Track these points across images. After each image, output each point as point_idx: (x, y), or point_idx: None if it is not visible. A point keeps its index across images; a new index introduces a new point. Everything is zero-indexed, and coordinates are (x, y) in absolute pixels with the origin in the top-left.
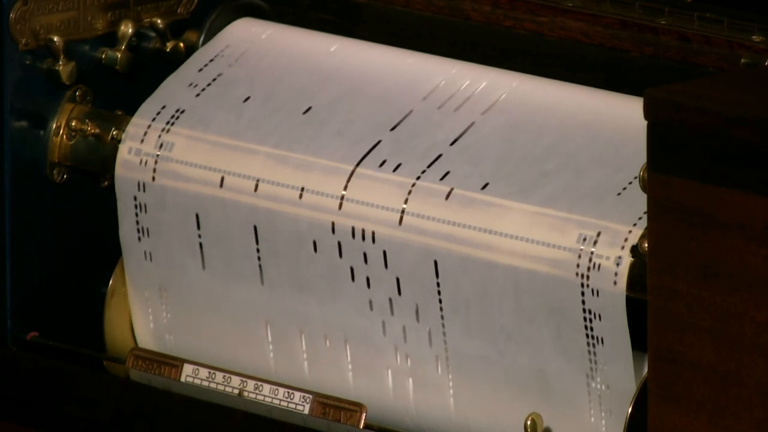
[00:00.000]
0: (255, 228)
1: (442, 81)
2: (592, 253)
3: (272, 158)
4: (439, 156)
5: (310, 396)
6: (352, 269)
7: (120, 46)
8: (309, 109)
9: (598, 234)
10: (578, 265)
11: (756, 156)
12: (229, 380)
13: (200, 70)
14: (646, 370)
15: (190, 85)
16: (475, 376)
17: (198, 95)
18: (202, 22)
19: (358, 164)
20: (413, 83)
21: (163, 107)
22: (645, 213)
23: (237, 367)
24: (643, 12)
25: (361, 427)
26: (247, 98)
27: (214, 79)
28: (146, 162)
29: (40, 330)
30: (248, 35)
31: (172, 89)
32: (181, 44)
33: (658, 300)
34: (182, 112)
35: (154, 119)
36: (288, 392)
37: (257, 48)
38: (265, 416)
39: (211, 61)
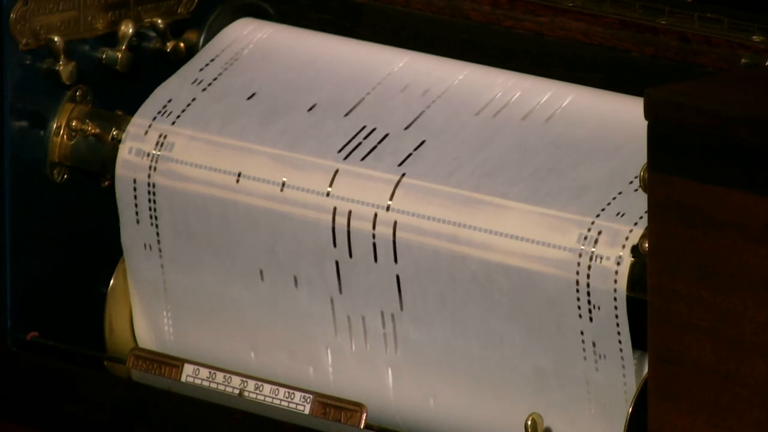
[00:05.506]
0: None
1: (442, 80)
2: (592, 253)
3: (273, 158)
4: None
5: (311, 396)
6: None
7: (120, 46)
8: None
9: (599, 234)
10: (578, 265)
11: (756, 156)
12: (229, 380)
13: (200, 70)
14: (646, 370)
15: (191, 84)
16: (474, 376)
17: (198, 95)
18: (202, 22)
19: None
20: (413, 83)
21: (164, 107)
22: (645, 213)
23: (237, 367)
24: (643, 12)
25: (362, 427)
26: (248, 98)
27: (214, 79)
28: (146, 162)
29: (40, 330)
30: (248, 35)
31: (173, 89)
32: (181, 44)
33: (658, 300)
34: (182, 112)
35: (154, 119)
36: (288, 392)
37: (257, 48)
38: (265, 416)
39: (212, 61)
